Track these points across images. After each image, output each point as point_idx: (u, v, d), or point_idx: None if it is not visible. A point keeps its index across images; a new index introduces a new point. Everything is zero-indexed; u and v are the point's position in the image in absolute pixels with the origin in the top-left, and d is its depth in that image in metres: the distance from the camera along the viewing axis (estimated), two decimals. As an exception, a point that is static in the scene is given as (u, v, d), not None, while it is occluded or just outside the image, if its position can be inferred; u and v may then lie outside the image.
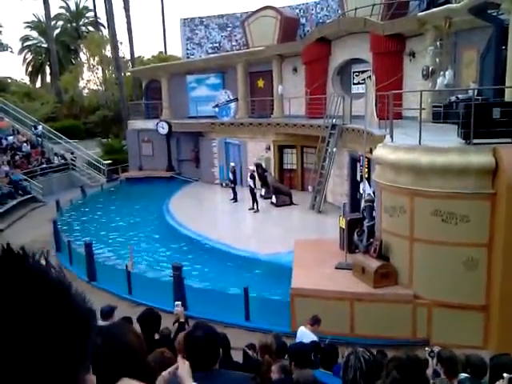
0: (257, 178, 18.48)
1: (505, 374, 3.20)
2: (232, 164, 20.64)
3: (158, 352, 3.64)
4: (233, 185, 19.42)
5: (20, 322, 0.57)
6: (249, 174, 18.25)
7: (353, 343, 6.54)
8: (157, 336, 4.55)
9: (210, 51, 27.38)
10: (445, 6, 12.93)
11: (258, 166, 19.28)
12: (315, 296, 8.77)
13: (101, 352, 1.36)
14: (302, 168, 20.59)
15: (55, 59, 37.72)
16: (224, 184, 22.22)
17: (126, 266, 11.53)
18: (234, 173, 19.66)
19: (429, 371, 4.58)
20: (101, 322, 5.54)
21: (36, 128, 27.47)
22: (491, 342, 7.79)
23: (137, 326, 4.95)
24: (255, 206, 17.52)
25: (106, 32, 41.83)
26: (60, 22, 46.88)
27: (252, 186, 17.76)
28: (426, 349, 5.19)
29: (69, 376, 0.61)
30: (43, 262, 0.65)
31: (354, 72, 19.22)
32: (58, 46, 41.24)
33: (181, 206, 19.15)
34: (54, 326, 0.59)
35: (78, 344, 0.63)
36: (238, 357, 5.29)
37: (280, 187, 18.78)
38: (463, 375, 4.11)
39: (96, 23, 46.14)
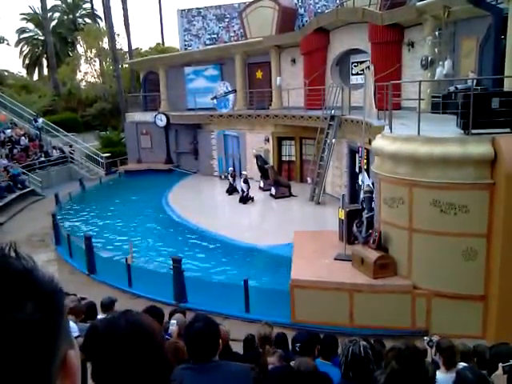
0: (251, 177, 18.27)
1: (500, 364, 3.21)
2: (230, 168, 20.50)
3: (172, 343, 3.67)
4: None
5: None
6: (242, 179, 17.94)
7: (352, 334, 6.58)
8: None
9: (207, 42, 27.23)
10: (444, -4, 12.84)
11: (258, 157, 19.28)
12: (315, 287, 8.80)
13: (125, 334, 1.35)
14: (300, 159, 20.55)
15: (52, 51, 37.50)
16: (223, 176, 22.22)
17: (126, 259, 11.55)
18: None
19: (427, 361, 4.61)
20: (101, 316, 5.56)
21: (36, 121, 27.36)
22: (490, 331, 7.83)
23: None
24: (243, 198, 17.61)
25: (103, 24, 41.68)
26: (56, 14, 46.54)
27: (245, 189, 17.60)
28: (425, 338, 5.21)
29: (44, 353, 0.65)
30: (13, 253, 0.68)
31: (352, 62, 19.15)
32: (54, 38, 40.99)
33: (180, 199, 19.16)
34: (17, 307, 0.63)
35: (49, 321, 0.66)
36: (237, 348, 5.32)
37: (279, 179, 18.77)
38: (462, 364, 4.13)
39: (93, 15, 45.85)
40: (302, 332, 5.04)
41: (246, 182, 17.72)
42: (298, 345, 4.41)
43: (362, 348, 2.90)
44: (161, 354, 1.38)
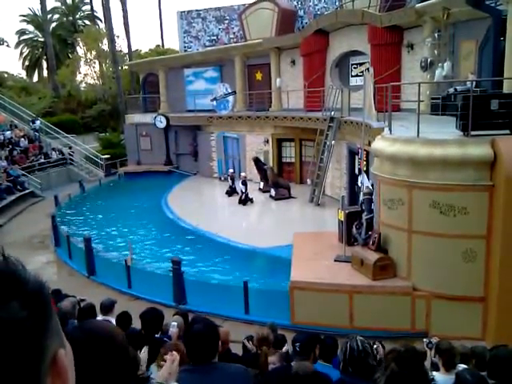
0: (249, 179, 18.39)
1: None
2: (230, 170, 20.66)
3: (173, 344, 3.67)
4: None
5: None
6: (240, 181, 18.03)
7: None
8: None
9: (207, 44, 27.28)
10: (443, -3, 12.86)
11: (257, 159, 19.29)
12: (314, 289, 8.79)
13: (80, 341, 1.38)
14: (300, 161, 20.57)
15: (52, 53, 37.52)
16: (222, 178, 22.23)
17: (125, 261, 11.54)
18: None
19: (427, 363, 4.61)
20: (101, 317, 5.54)
21: (34, 122, 27.38)
22: (489, 333, 7.83)
23: (137, 322, 4.96)
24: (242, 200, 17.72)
25: (102, 25, 41.73)
26: (56, 16, 46.62)
27: (243, 191, 17.72)
28: (424, 340, 5.21)
29: (32, 352, 0.64)
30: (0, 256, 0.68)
31: (352, 64, 19.16)
32: (54, 39, 41.03)
33: (179, 200, 19.16)
34: (1, 306, 0.63)
35: (35, 320, 0.66)
36: (237, 350, 5.31)
37: (278, 180, 18.78)
38: (461, 366, 4.13)
39: (92, 17, 45.91)
40: (301, 332, 5.04)
41: (244, 183, 17.75)
42: (297, 344, 4.42)
43: (359, 342, 2.92)
44: (123, 355, 1.41)
